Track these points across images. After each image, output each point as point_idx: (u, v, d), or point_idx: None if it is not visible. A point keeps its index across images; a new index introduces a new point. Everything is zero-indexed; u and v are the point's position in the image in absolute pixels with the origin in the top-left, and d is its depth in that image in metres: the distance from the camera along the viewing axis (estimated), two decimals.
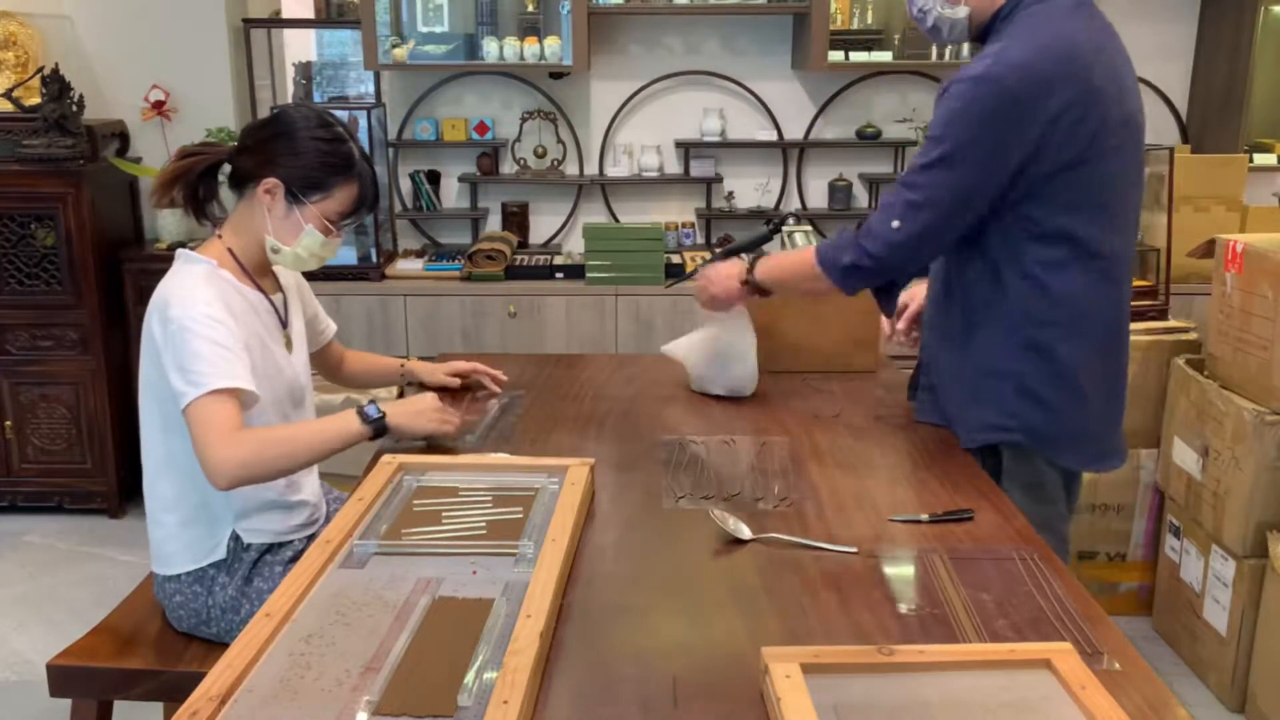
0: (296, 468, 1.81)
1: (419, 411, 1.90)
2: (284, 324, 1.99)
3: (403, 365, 2.30)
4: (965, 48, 3.87)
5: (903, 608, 1.40)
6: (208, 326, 1.74)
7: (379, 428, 1.83)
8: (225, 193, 1.97)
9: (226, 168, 1.93)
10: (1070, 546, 2.08)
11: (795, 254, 2.02)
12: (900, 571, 1.50)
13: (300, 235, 1.89)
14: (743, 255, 2.12)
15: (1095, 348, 1.86)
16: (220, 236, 1.93)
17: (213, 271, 1.85)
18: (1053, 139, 1.71)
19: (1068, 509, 1.96)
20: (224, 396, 1.71)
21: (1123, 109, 1.77)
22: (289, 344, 1.99)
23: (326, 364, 2.28)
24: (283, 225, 1.88)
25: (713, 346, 2.20)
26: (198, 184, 1.94)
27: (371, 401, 1.86)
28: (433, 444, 1.94)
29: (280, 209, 1.87)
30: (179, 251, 1.90)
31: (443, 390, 2.21)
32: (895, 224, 1.78)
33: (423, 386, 2.25)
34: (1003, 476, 1.90)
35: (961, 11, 1.84)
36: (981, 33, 1.87)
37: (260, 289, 1.94)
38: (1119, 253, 1.85)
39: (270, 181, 1.86)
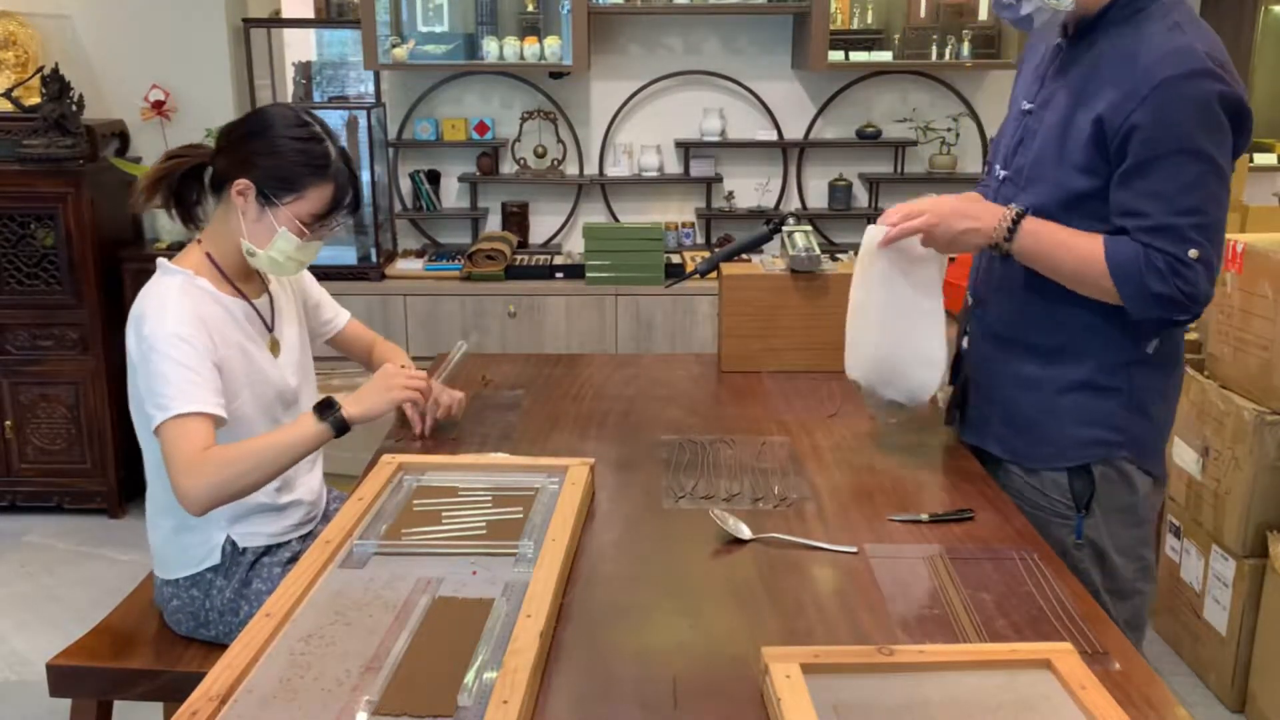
0: (264, 481, 1.76)
1: (373, 389, 1.80)
2: (269, 327, 1.95)
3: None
4: (965, 48, 3.88)
5: (903, 607, 1.39)
6: (174, 347, 1.71)
7: (335, 422, 1.74)
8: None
9: (210, 170, 1.89)
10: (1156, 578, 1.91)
11: (1082, 238, 1.66)
12: (900, 571, 1.50)
13: (274, 238, 1.82)
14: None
15: (1176, 356, 1.79)
16: (199, 242, 1.88)
17: (188, 282, 1.81)
18: (1236, 143, 1.66)
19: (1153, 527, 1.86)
20: (191, 420, 1.69)
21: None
22: (275, 347, 1.95)
23: (354, 353, 2.20)
24: (256, 228, 1.82)
25: (895, 325, 1.82)
26: (180, 187, 1.90)
27: (328, 397, 1.77)
28: (433, 438, 1.94)
29: (253, 211, 1.81)
30: (158, 261, 1.86)
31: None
32: (1194, 253, 1.58)
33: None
34: (1095, 501, 1.75)
35: (1068, 3, 1.66)
36: (1082, 25, 1.71)
37: (242, 294, 1.90)
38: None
39: (242, 183, 1.80)
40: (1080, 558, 1.75)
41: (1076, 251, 1.65)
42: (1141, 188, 1.60)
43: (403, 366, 1.94)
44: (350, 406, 1.76)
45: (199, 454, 1.67)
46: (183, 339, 1.72)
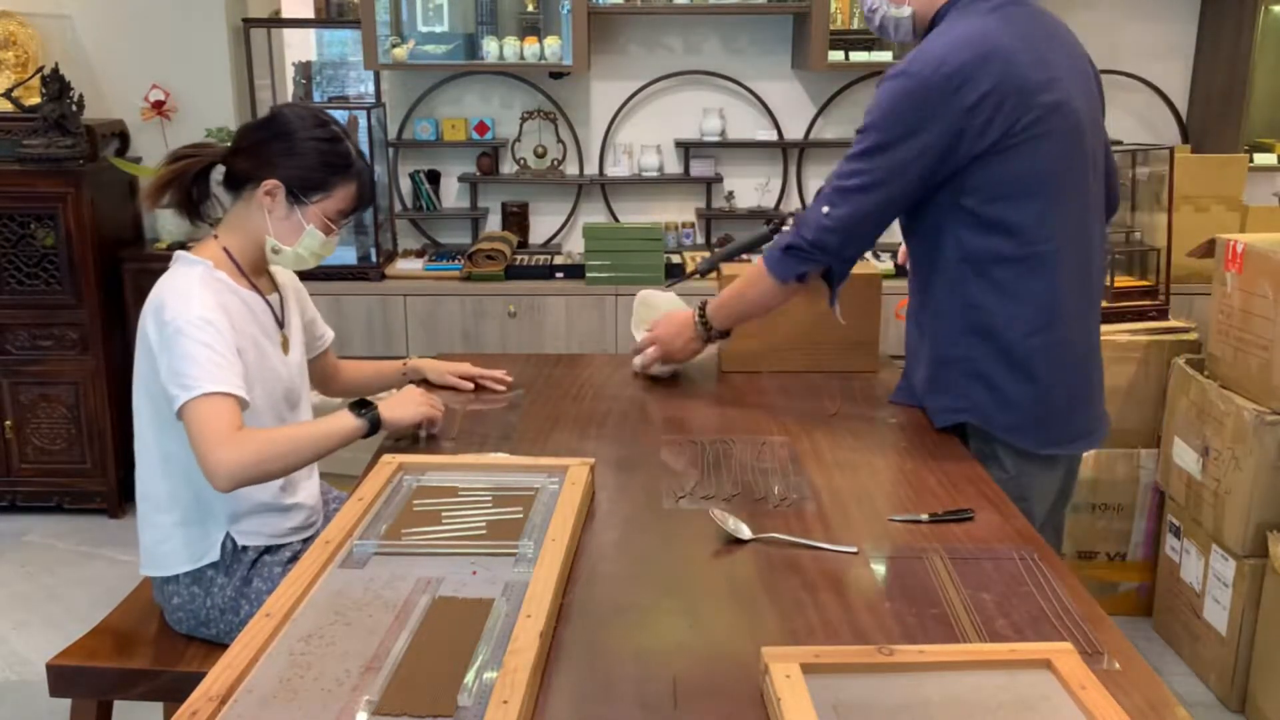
0: (295, 468, 1.82)
1: (405, 400, 1.94)
2: (281, 324, 1.99)
3: (405, 364, 2.30)
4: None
5: (903, 607, 1.39)
6: (201, 330, 1.74)
7: (372, 419, 1.85)
8: (222, 193, 1.97)
9: (220, 168, 1.93)
10: (1060, 541, 2.14)
11: (735, 280, 2.10)
12: (900, 571, 1.50)
13: (302, 235, 1.89)
14: (720, 268, 2.23)
15: (1036, 330, 1.90)
16: (216, 237, 1.92)
17: (208, 273, 1.85)
18: (971, 127, 1.80)
19: (1060, 496, 2.03)
20: (220, 399, 1.71)
21: (1053, 96, 1.83)
22: (285, 345, 1.99)
23: (321, 375, 2.26)
24: (283, 226, 1.89)
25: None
26: (191, 186, 1.94)
27: (363, 398, 1.90)
28: (428, 445, 1.95)
29: (281, 210, 1.88)
30: (176, 253, 1.90)
31: (448, 389, 2.22)
32: (825, 209, 1.89)
33: (427, 383, 2.25)
34: (969, 449, 1.97)
35: (905, 11, 1.95)
36: (924, 32, 1.95)
37: (256, 289, 1.94)
38: (1060, 241, 1.88)
39: (271, 183, 1.86)
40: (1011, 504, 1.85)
41: (747, 281, 2.06)
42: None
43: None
44: (384, 410, 1.88)
45: (233, 431, 1.70)
46: (209, 322, 1.76)
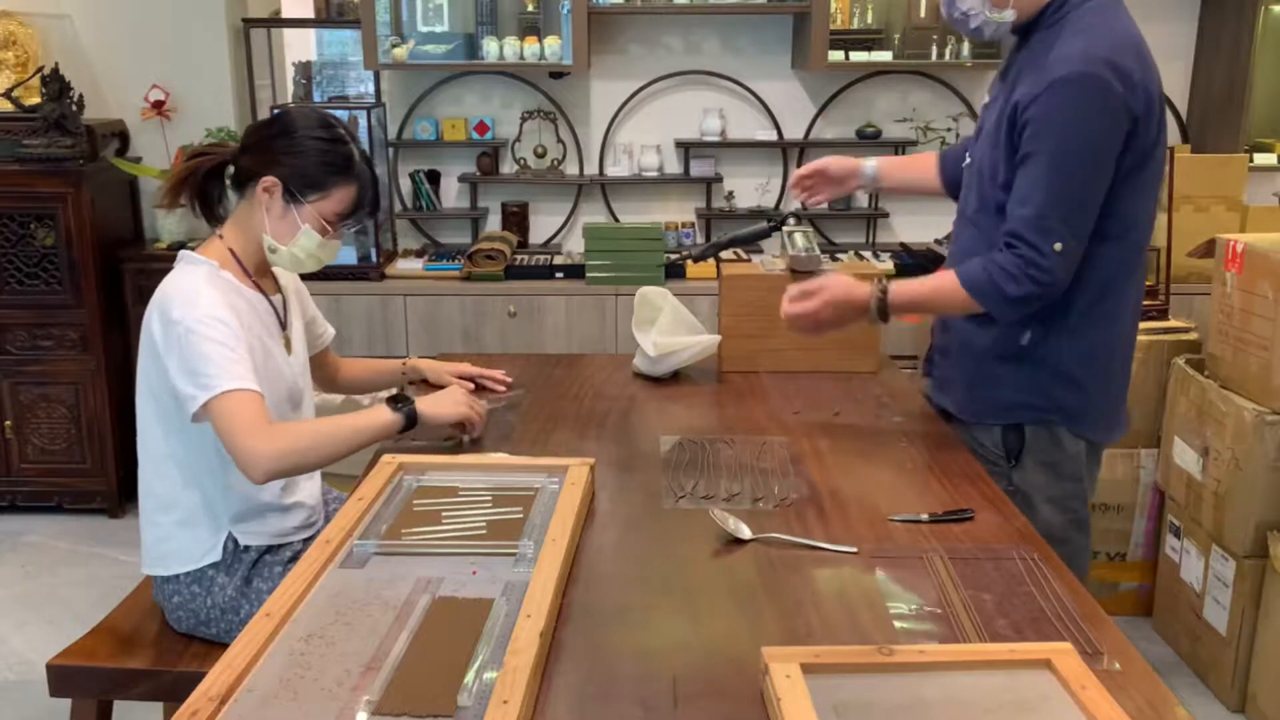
0: (330, 460, 1.82)
1: (446, 398, 1.93)
2: (283, 325, 1.99)
3: (404, 364, 2.30)
4: (965, 48, 3.88)
5: (903, 607, 1.40)
6: (213, 328, 1.74)
7: (409, 413, 1.85)
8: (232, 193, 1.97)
9: (231, 168, 1.94)
10: (1090, 531, 2.10)
11: (933, 281, 1.94)
12: (900, 571, 1.50)
13: (297, 235, 1.89)
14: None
15: (1128, 328, 1.96)
16: (221, 236, 1.93)
17: (214, 272, 1.85)
18: (1135, 133, 1.78)
19: (1088, 484, 2.04)
20: (243, 394, 1.72)
21: (1163, 98, 1.86)
22: (288, 345, 1.99)
23: (323, 372, 2.27)
24: (280, 224, 1.88)
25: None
26: (204, 185, 1.94)
27: (400, 392, 1.89)
28: (450, 447, 1.95)
29: (278, 208, 1.87)
30: (181, 253, 1.90)
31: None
32: (1059, 246, 1.78)
33: (425, 383, 2.26)
34: (1024, 453, 1.96)
35: (1009, 15, 1.87)
36: (1023, 28, 1.90)
37: (260, 289, 1.94)
38: (1148, 234, 1.94)
39: (269, 180, 1.86)
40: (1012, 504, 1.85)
41: (944, 295, 1.90)
42: (1024, 176, 1.81)
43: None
44: (422, 405, 1.88)
45: (264, 423, 1.71)
46: (219, 320, 1.76)
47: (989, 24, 1.90)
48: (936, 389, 2.14)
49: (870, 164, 2.30)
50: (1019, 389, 1.95)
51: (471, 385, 2.24)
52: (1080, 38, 1.78)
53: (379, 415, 1.84)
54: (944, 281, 1.90)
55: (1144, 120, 1.77)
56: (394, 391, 1.97)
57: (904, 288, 1.92)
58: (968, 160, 2.05)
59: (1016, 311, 1.86)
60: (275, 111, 1.97)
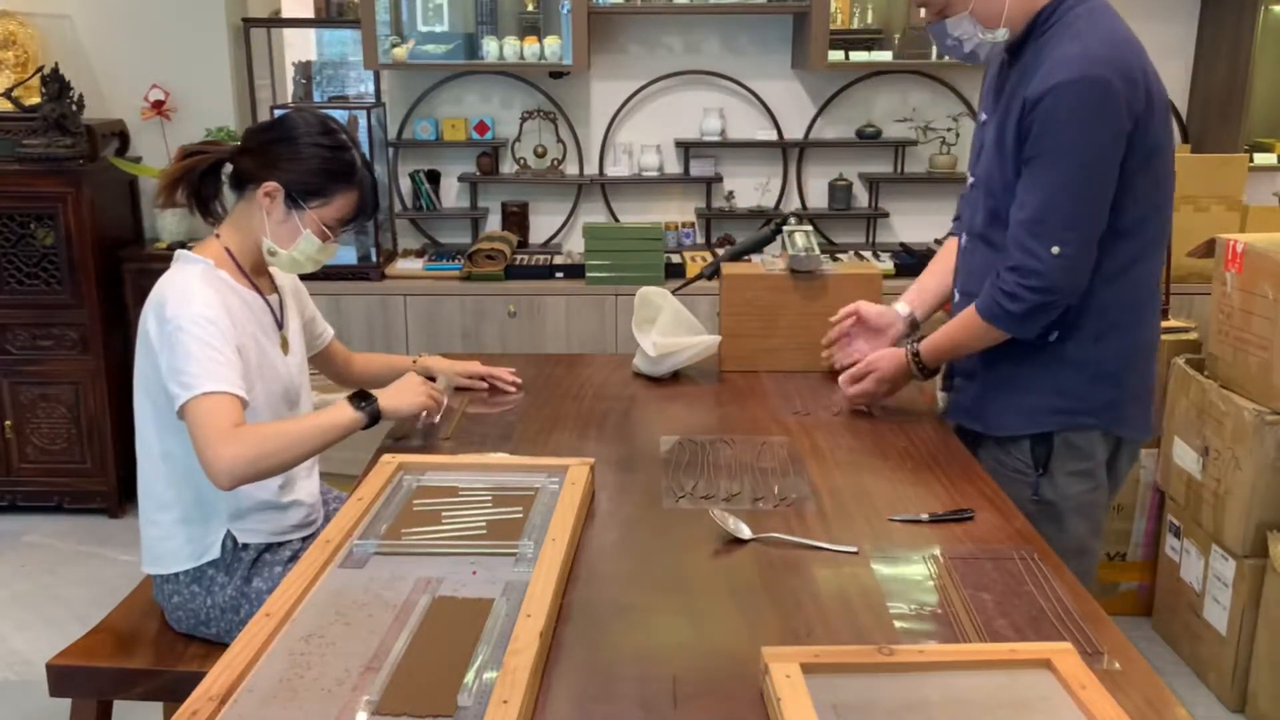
0: (297, 461, 1.81)
1: (404, 389, 1.95)
2: (280, 324, 1.99)
3: (415, 361, 2.30)
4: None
5: (903, 607, 1.40)
6: (202, 328, 1.74)
7: (371, 411, 1.85)
8: (228, 191, 1.97)
9: (228, 166, 1.93)
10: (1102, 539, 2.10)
11: (956, 323, 1.97)
12: (900, 571, 1.50)
13: (297, 240, 1.89)
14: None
15: (1151, 322, 1.96)
16: (218, 236, 1.93)
17: (210, 271, 1.85)
18: (1136, 130, 1.77)
19: (1110, 491, 2.03)
20: (220, 397, 1.71)
21: (1164, 95, 1.85)
22: (285, 345, 1.99)
23: (333, 367, 2.28)
24: (280, 229, 1.89)
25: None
26: (200, 183, 1.94)
27: (362, 390, 1.90)
28: (426, 440, 1.95)
29: (279, 213, 1.88)
30: (177, 252, 1.90)
31: (462, 390, 2.24)
32: (1056, 250, 1.77)
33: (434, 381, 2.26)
34: (1051, 460, 1.92)
35: (1002, 34, 1.87)
36: (1015, 43, 1.89)
37: (257, 289, 1.94)
38: (1165, 229, 1.95)
39: (270, 185, 1.86)
40: (1037, 515, 1.83)
41: (967, 332, 1.93)
42: (1024, 181, 1.82)
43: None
44: (384, 400, 1.88)
45: (233, 428, 1.70)
46: (210, 320, 1.76)
47: (983, 46, 1.90)
48: (959, 410, 2.07)
49: (903, 308, 2.21)
50: (1048, 392, 1.91)
51: (486, 385, 2.26)
52: (1077, 41, 1.78)
53: (342, 413, 1.83)
54: (966, 320, 1.93)
55: (1146, 117, 1.77)
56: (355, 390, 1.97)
57: (932, 343, 2.00)
58: (970, 180, 2.02)
59: (1031, 326, 1.85)
60: (276, 113, 1.97)
